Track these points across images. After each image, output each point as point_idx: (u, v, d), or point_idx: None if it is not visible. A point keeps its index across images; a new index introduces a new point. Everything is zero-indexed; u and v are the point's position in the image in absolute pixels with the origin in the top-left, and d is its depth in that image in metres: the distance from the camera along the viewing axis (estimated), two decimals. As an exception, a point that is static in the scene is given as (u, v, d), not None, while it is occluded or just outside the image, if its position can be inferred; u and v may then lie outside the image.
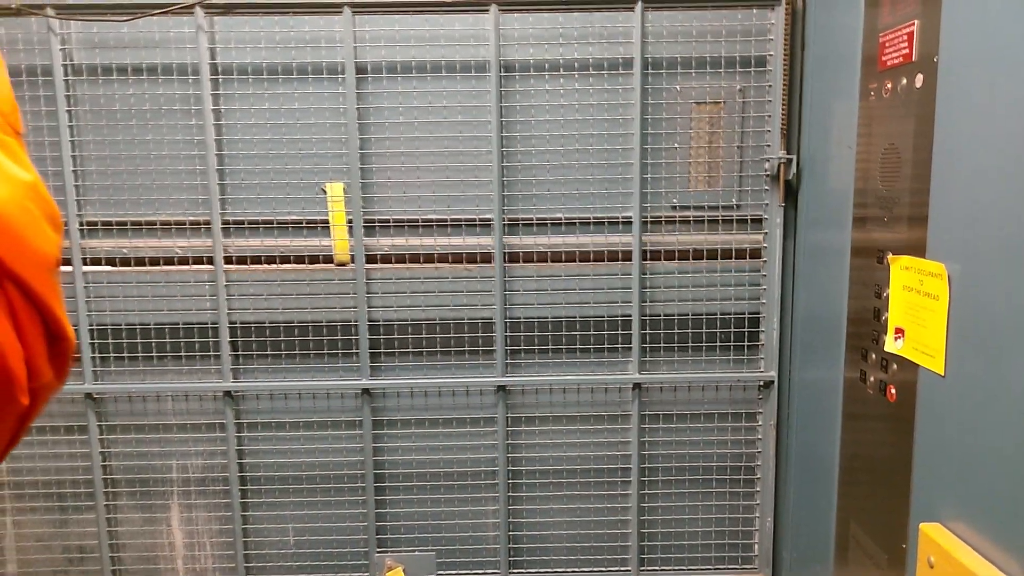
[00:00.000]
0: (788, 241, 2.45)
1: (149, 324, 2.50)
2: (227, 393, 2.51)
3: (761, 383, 2.54)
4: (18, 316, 0.53)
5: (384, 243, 2.49)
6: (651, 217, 2.47)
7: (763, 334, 2.51)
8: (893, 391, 1.72)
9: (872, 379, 1.83)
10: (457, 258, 2.50)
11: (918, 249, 1.62)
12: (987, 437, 1.39)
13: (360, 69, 2.39)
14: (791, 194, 2.41)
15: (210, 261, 2.47)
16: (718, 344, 2.52)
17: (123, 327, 2.49)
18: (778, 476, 2.57)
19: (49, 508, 2.59)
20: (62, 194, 2.39)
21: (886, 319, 1.74)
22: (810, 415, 2.31)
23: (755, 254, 2.48)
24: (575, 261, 2.50)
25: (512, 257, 2.49)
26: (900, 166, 1.70)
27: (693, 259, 2.47)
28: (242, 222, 2.47)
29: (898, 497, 1.69)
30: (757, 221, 2.47)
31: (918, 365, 1.61)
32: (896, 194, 1.72)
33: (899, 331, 1.68)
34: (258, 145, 2.43)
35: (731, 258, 2.48)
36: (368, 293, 2.48)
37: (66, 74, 2.37)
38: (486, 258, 2.49)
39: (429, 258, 2.50)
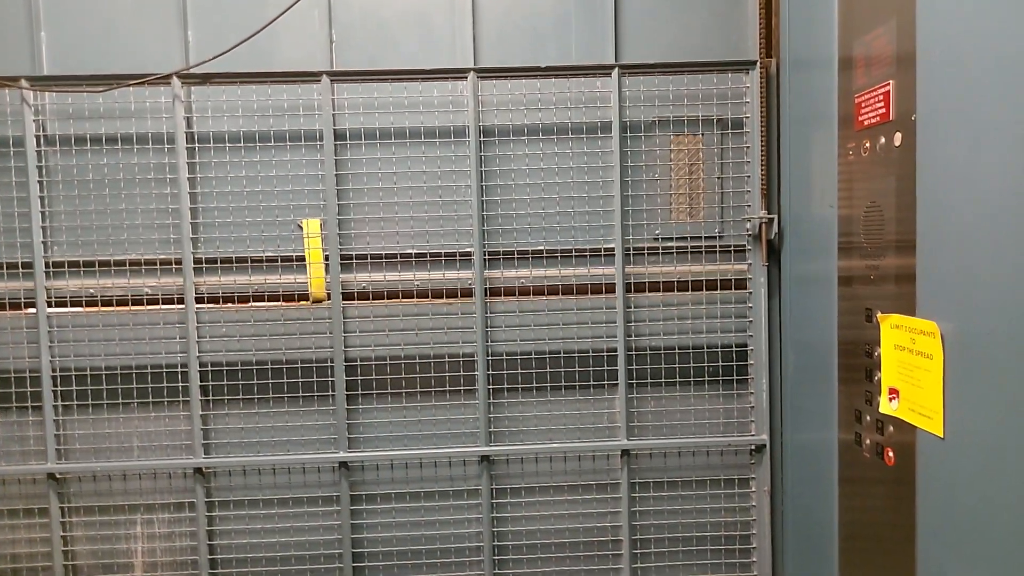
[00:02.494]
0: (773, 300, 2.42)
1: (116, 368, 2.39)
2: (198, 470, 2.39)
3: (753, 447, 2.46)
4: None
5: (362, 278, 2.43)
6: (634, 247, 2.44)
7: (752, 390, 2.45)
8: (891, 454, 1.66)
9: (868, 442, 1.77)
10: (437, 293, 2.44)
11: (908, 307, 1.59)
12: (995, 499, 1.33)
13: (339, 136, 2.38)
14: (774, 253, 2.40)
15: (181, 301, 2.39)
16: (707, 379, 2.46)
17: (88, 372, 2.38)
18: (775, 543, 2.48)
19: (4, 599, 2.43)
20: (28, 236, 2.33)
21: (879, 379, 1.70)
22: (805, 480, 2.24)
23: (740, 285, 2.45)
24: (558, 294, 2.45)
25: (493, 291, 2.44)
26: (884, 224, 1.68)
27: (678, 290, 2.44)
28: (215, 259, 2.40)
29: (903, 564, 1.61)
30: (741, 250, 2.44)
31: (916, 427, 1.55)
32: (881, 251, 1.70)
33: (893, 392, 1.63)
34: (235, 213, 2.39)
35: (716, 289, 2.44)
36: (345, 323, 2.41)
37: (39, 144, 2.33)
38: (466, 293, 2.43)
39: (408, 294, 2.44)
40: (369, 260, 2.42)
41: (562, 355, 2.46)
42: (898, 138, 1.62)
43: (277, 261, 2.41)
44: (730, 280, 2.45)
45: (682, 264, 2.44)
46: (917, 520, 1.56)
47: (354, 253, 2.42)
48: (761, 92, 2.35)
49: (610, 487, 2.48)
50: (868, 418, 1.77)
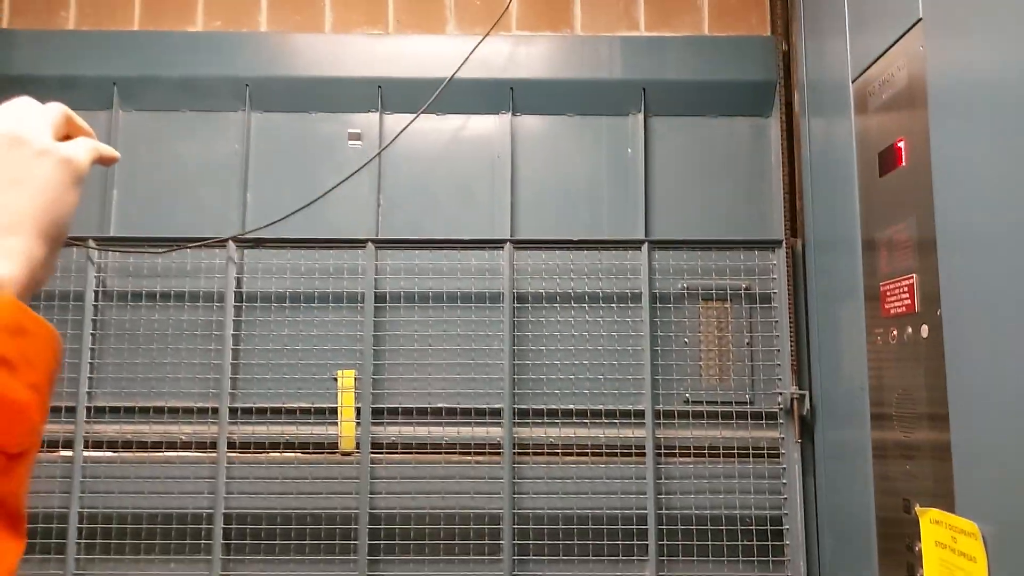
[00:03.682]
0: (808, 477, 2.37)
1: (141, 515, 2.38)
2: (213, 634, 2.32)
3: (791, 637, 2.33)
4: None
5: (391, 432, 2.43)
6: (664, 410, 2.43)
7: (789, 571, 2.35)
8: (939, 661, 1.57)
9: (914, 644, 1.67)
10: (465, 449, 2.43)
11: (946, 496, 1.55)
12: None
13: (379, 298, 2.48)
14: (807, 427, 2.38)
15: (213, 446, 2.40)
16: (740, 558, 2.36)
17: (113, 519, 2.37)
18: None
19: None
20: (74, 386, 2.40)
21: (922, 577, 1.63)
22: (848, 676, 2.09)
23: (773, 452, 2.41)
24: (587, 455, 2.42)
25: (522, 451, 2.42)
26: (916, 412, 1.68)
27: (710, 457, 2.40)
28: (249, 409, 2.44)
29: None
30: (772, 417, 2.42)
31: (964, 634, 1.48)
32: (915, 440, 1.68)
33: (937, 592, 1.57)
34: (273, 368, 2.46)
35: (749, 456, 2.40)
36: (372, 477, 2.38)
37: (96, 299, 2.46)
38: (495, 450, 2.42)
39: (436, 448, 2.43)
40: (400, 414, 2.45)
41: (590, 520, 2.40)
42: (925, 330, 1.65)
43: (310, 412, 2.45)
44: (763, 448, 2.42)
45: (712, 429, 2.43)
46: None
47: (385, 407, 2.45)
48: (788, 269, 2.42)
49: (639, 670, 2.34)
50: (913, 618, 1.68)
